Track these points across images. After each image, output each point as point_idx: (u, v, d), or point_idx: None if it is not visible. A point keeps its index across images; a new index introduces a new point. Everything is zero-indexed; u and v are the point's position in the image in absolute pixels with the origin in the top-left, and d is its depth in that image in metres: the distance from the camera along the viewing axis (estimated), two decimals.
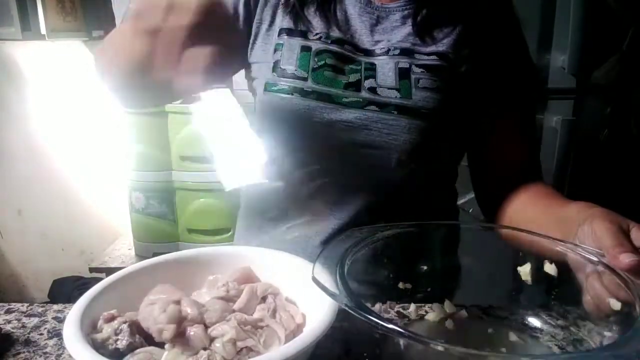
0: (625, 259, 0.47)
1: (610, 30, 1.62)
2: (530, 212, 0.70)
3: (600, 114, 1.70)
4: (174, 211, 1.54)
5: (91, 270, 1.61)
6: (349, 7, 0.73)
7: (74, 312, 0.46)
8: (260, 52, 0.75)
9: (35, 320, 0.60)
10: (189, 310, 0.46)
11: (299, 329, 0.50)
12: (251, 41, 0.76)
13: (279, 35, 0.73)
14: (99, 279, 0.53)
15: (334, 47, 0.71)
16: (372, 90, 0.70)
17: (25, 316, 0.61)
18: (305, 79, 0.70)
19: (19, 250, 2.11)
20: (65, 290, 1.91)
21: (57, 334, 0.57)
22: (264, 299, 0.52)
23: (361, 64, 0.71)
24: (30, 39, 1.79)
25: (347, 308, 0.40)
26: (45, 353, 0.54)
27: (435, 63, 0.70)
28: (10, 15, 1.74)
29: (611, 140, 1.70)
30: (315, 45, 0.71)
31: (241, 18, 0.75)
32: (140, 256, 1.60)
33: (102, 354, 0.42)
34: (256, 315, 0.50)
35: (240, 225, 0.88)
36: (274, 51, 0.73)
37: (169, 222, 1.55)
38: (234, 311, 0.49)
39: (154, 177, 1.51)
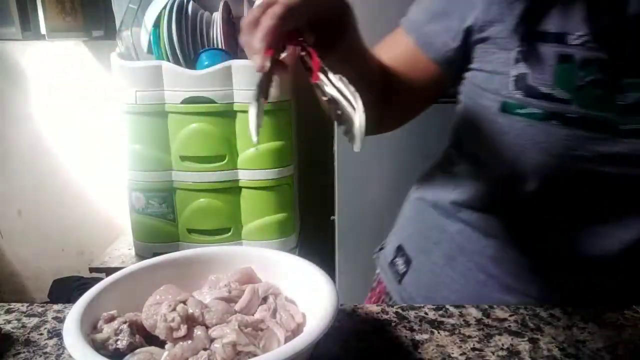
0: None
1: None
2: None
3: None
4: (174, 211, 1.54)
5: (91, 270, 1.61)
6: None
7: (74, 312, 0.46)
8: (491, 59, 0.59)
9: (35, 320, 0.60)
10: (193, 310, 0.47)
11: (299, 328, 0.50)
12: (470, 43, 0.61)
13: (522, 39, 0.56)
14: (99, 279, 0.53)
15: (604, 55, 0.53)
16: None
17: (25, 316, 0.61)
18: (568, 102, 0.53)
19: (19, 250, 2.11)
20: (65, 290, 1.91)
21: (57, 334, 0.57)
22: (265, 299, 0.52)
23: None
24: (30, 39, 1.79)
25: None
26: (45, 353, 0.54)
27: None
28: (10, 15, 1.74)
29: None
30: (579, 54, 0.53)
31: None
32: (140, 256, 1.60)
33: (103, 355, 0.42)
34: (257, 315, 0.50)
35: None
36: (516, 61, 0.56)
37: (169, 222, 1.55)
38: (235, 312, 0.49)
39: (154, 177, 1.51)
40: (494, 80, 0.58)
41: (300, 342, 0.42)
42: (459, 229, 0.69)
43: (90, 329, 0.46)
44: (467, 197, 0.68)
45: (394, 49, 0.67)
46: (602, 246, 0.60)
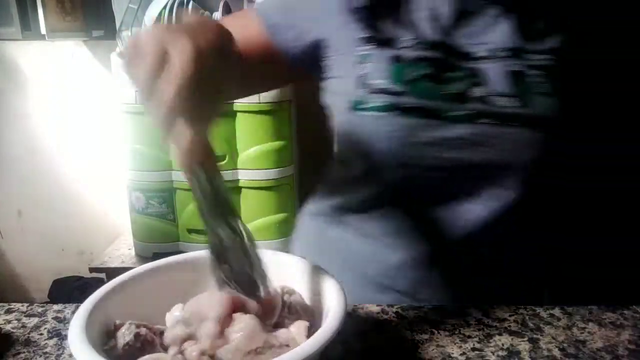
0: None
1: None
2: None
3: None
4: (174, 211, 1.54)
5: (91, 270, 1.61)
6: (438, 5, 0.63)
7: (77, 321, 0.44)
8: (338, 64, 0.66)
9: (35, 320, 0.60)
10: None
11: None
12: (319, 55, 0.67)
13: (359, 45, 0.64)
14: (99, 279, 0.53)
15: (429, 54, 0.62)
16: (483, 100, 0.60)
17: (25, 316, 0.61)
18: (401, 94, 0.61)
19: (19, 250, 2.11)
20: (65, 290, 1.91)
21: (57, 334, 0.57)
22: (283, 302, 0.51)
23: (463, 70, 0.62)
24: (30, 39, 1.79)
25: None
26: (45, 353, 0.54)
27: (551, 63, 0.61)
28: (10, 15, 1.74)
29: None
30: (408, 54, 0.62)
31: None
32: (140, 256, 1.61)
33: None
34: (278, 319, 0.49)
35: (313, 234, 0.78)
36: (358, 63, 0.63)
37: (169, 222, 1.55)
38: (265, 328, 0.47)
39: (154, 177, 1.51)
40: (342, 83, 0.65)
41: (316, 341, 0.41)
42: (338, 234, 0.73)
43: (95, 339, 0.45)
44: (342, 200, 0.73)
45: (245, 29, 0.67)
46: (461, 227, 0.65)
